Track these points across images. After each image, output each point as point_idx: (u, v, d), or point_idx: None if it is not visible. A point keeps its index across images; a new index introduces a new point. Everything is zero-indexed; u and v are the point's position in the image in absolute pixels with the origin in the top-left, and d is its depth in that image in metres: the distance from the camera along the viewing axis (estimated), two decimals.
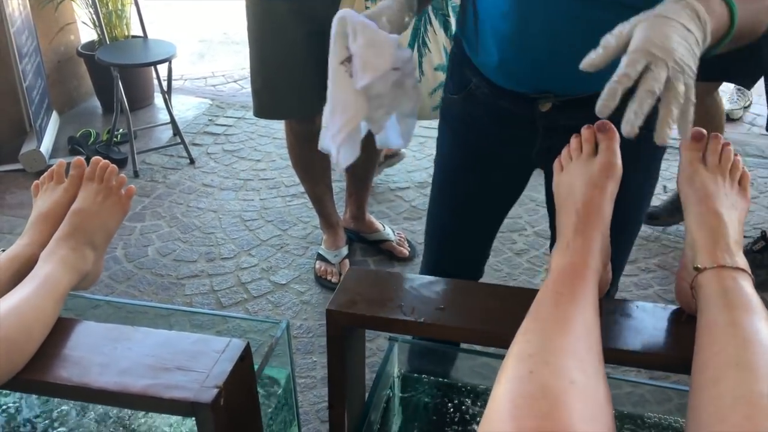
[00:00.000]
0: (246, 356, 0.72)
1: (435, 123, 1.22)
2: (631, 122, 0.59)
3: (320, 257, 2.10)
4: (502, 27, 0.89)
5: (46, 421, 0.92)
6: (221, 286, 2.05)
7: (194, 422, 0.68)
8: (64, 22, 3.11)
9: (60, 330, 0.75)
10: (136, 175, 2.64)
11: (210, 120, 3.11)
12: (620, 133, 0.61)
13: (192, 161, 2.74)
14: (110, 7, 2.98)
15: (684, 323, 0.74)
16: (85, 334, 0.76)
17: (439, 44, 1.69)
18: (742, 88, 2.89)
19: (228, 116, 3.14)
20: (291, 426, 0.99)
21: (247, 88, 3.32)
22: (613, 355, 0.70)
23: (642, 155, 0.92)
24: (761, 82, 1.91)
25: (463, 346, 1.01)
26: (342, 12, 0.83)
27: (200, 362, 0.70)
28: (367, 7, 1.52)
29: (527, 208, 2.38)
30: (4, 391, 0.94)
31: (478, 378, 0.96)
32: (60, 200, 0.90)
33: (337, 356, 0.82)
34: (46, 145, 2.72)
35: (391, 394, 0.96)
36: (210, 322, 1.03)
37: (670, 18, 0.61)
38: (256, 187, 2.58)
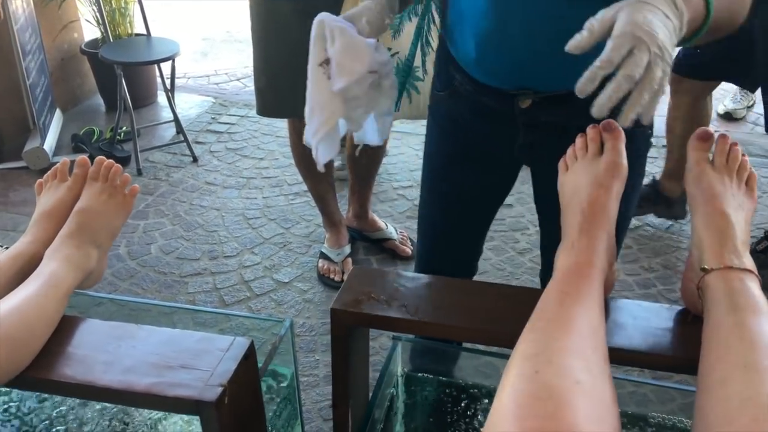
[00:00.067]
0: (250, 355, 0.71)
1: None
2: (602, 105, 0.60)
3: (323, 255, 2.10)
4: (481, 24, 0.90)
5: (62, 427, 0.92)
6: (224, 284, 2.05)
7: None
8: (68, 20, 3.11)
9: (64, 328, 0.75)
10: (139, 173, 2.64)
11: (213, 118, 3.11)
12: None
13: (195, 159, 2.74)
14: (113, 5, 2.98)
15: (690, 324, 0.74)
16: (89, 332, 0.76)
17: None
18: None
19: (231, 114, 3.14)
20: (294, 424, 0.99)
21: (250, 86, 3.32)
22: (619, 356, 0.70)
23: (633, 151, 0.93)
24: None
25: (467, 345, 1.01)
26: (321, 15, 0.85)
27: (204, 360, 0.69)
28: None
29: (530, 207, 2.37)
30: (19, 392, 0.94)
31: (481, 377, 0.96)
32: (64, 198, 0.90)
33: (342, 355, 0.82)
34: (49, 143, 2.72)
35: (394, 393, 0.96)
36: (213, 320, 1.03)
37: (651, 4, 0.62)
38: (259, 185, 2.58)
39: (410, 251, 2.15)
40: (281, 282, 2.06)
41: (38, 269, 0.78)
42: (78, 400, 0.94)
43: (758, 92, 1.98)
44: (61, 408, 0.94)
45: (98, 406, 0.94)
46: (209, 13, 4.63)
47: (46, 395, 0.94)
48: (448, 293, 0.83)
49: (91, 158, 0.93)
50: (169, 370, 0.68)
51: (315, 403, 1.64)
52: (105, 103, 3.23)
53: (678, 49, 2.06)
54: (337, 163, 2.46)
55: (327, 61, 0.85)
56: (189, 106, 3.22)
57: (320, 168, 0.91)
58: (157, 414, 0.94)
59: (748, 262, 0.66)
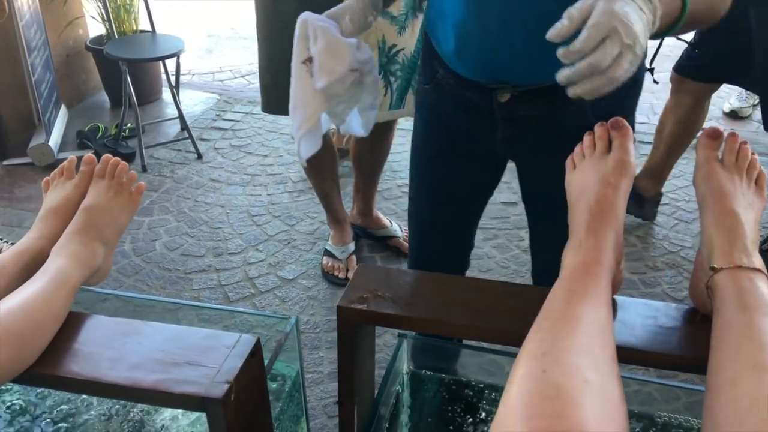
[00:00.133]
0: (256, 352, 0.71)
1: None
2: (565, 77, 0.62)
3: (327, 253, 2.10)
4: (460, 18, 0.90)
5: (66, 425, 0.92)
6: (228, 280, 2.05)
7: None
8: (73, 16, 3.12)
9: (71, 324, 0.75)
10: (144, 169, 2.64)
11: (218, 115, 3.11)
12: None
13: (199, 156, 2.75)
14: (119, 2, 2.98)
15: (698, 323, 0.74)
16: (96, 329, 0.76)
17: None
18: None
19: (235, 111, 3.14)
20: (300, 421, 0.99)
21: (255, 83, 3.33)
22: (627, 354, 0.70)
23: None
24: None
25: (472, 343, 1.01)
26: (304, 15, 0.89)
27: (211, 357, 0.69)
28: None
29: None
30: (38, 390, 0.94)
31: (487, 375, 0.96)
32: (70, 195, 0.90)
33: (348, 353, 0.82)
34: (54, 139, 2.73)
35: (400, 391, 0.96)
36: (218, 317, 1.03)
37: None
38: (263, 182, 2.58)
39: None
40: (285, 279, 2.06)
41: (45, 266, 0.79)
42: (79, 402, 0.94)
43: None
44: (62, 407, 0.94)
45: (103, 411, 0.94)
46: (214, 10, 4.63)
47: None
48: (454, 291, 0.83)
49: (97, 155, 0.93)
50: (176, 367, 0.68)
51: (319, 400, 1.65)
52: (110, 99, 3.24)
53: (679, 50, 2.05)
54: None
55: (310, 60, 0.88)
56: (194, 102, 3.22)
57: (302, 163, 0.96)
58: (162, 422, 0.94)
59: (758, 262, 0.65)
